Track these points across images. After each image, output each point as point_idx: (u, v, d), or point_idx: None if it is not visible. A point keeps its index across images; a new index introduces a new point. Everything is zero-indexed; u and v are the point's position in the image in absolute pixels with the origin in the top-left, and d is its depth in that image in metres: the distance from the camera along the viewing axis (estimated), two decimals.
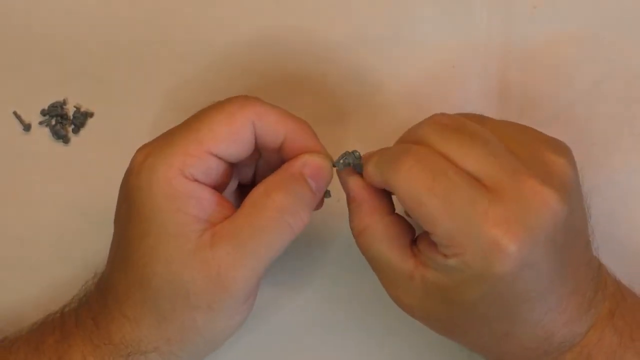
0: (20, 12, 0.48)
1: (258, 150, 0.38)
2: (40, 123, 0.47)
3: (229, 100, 0.36)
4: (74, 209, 0.46)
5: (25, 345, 0.38)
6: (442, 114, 0.35)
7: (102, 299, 0.37)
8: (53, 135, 0.47)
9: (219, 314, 0.35)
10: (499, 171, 0.33)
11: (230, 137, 0.36)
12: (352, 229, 0.38)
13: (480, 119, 0.36)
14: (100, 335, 0.37)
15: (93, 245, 0.44)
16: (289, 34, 0.47)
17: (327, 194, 0.39)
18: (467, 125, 0.34)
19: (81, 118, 0.47)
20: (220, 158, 0.36)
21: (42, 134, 0.47)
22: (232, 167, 0.38)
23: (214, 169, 0.36)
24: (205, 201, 0.35)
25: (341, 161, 0.38)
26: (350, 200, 0.38)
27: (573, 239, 0.34)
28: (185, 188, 0.35)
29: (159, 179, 0.35)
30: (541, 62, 0.46)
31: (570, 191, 0.34)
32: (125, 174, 0.37)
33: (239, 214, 0.35)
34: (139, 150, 0.37)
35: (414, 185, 0.33)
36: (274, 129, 0.36)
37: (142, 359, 0.36)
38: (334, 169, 0.38)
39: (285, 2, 0.47)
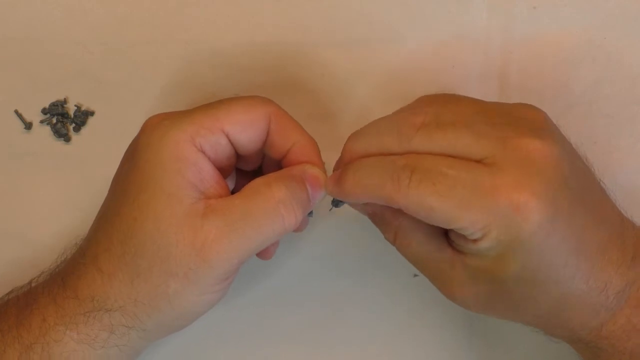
0: (21, 12, 0.48)
1: (261, 154, 0.40)
2: (42, 122, 0.47)
3: (251, 96, 0.38)
4: (75, 207, 0.46)
5: None
6: (411, 112, 0.35)
7: (79, 256, 0.38)
8: (54, 134, 0.47)
9: (193, 286, 0.35)
10: (491, 145, 0.33)
11: (246, 123, 0.37)
12: (387, 240, 0.39)
13: (446, 98, 0.37)
14: (65, 292, 0.36)
15: None
16: (288, 33, 0.47)
17: (310, 212, 0.39)
18: (443, 114, 0.35)
19: (82, 117, 0.47)
20: (230, 141, 0.37)
21: (43, 133, 0.47)
22: (236, 160, 0.39)
23: (222, 146, 0.37)
24: (205, 173, 0.36)
25: None
26: (370, 216, 0.39)
27: (585, 181, 0.35)
28: (191, 154, 0.35)
29: (169, 139, 0.35)
30: (541, 62, 0.46)
31: (558, 136, 0.35)
32: (136, 135, 0.37)
33: (237, 195, 0.36)
34: (154, 115, 0.37)
35: (419, 199, 0.33)
36: (287, 133, 0.38)
37: (105, 317, 0.36)
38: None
39: (283, 2, 0.47)
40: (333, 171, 0.38)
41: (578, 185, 0.34)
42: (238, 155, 0.39)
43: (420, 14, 0.47)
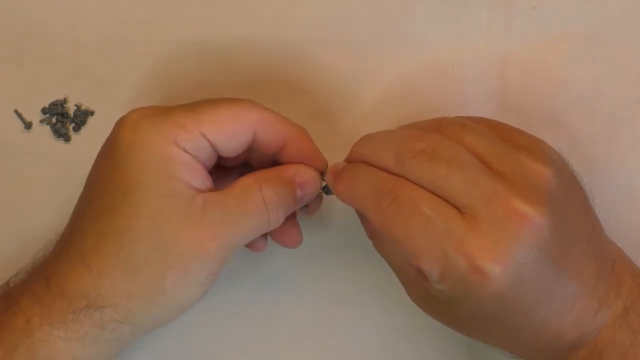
0: (20, 11, 0.48)
1: (243, 155, 0.40)
2: (41, 121, 0.47)
3: (236, 101, 0.37)
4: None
5: None
6: (416, 134, 0.35)
7: (60, 253, 0.37)
8: (54, 134, 0.47)
9: (190, 279, 0.36)
10: (475, 197, 0.33)
11: (230, 132, 0.37)
12: (367, 235, 0.39)
13: (459, 127, 0.36)
14: (50, 291, 0.36)
15: None
16: (288, 32, 0.47)
17: (302, 209, 0.41)
18: (442, 148, 0.34)
19: (82, 116, 0.47)
20: (211, 144, 0.37)
21: (43, 133, 0.47)
22: (216, 159, 0.39)
23: (203, 149, 0.36)
24: (195, 170, 0.36)
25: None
26: (356, 211, 0.39)
27: (568, 243, 0.34)
28: (178, 156, 0.36)
29: (152, 141, 0.35)
30: (541, 62, 0.46)
31: (553, 199, 0.33)
32: (114, 129, 0.37)
33: (230, 191, 0.37)
34: (133, 110, 0.37)
35: (391, 227, 0.34)
36: (275, 136, 0.38)
37: (95, 314, 0.36)
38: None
39: (284, 2, 0.47)
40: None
41: (555, 251, 0.33)
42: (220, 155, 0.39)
43: (420, 14, 0.47)
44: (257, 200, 0.37)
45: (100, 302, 0.36)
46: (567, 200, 0.35)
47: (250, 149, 0.39)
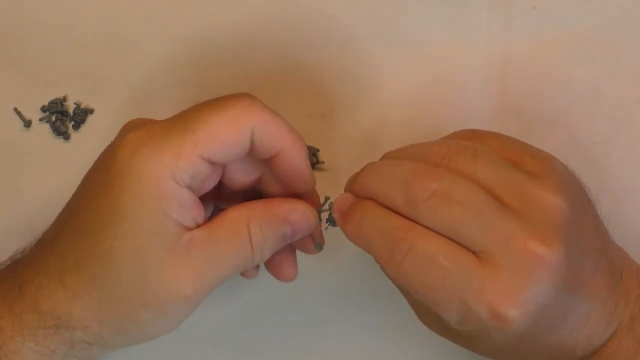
0: (20, 11, 0.48)
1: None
2: (41, 119, 0.47)
3: (232, 102, 0.35)
4: None
5: None
6: (426, 171, 0.34)
7: (41, 262, 0.36)
8: (53, 132, 0.47)
9: (166, 317, 0.35)
10: (491, 241, 0.32)
11: (228, 144, 0.34)
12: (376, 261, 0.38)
13: (470, 158, 0.34)
14: (23, 302, 0.36)
15: None
16: (288, 32, 0.47)
17: (317, 246, 0.39)
18: (456, 190, 0.33)
19: (81, 115, 0.47)
20: (211, 162, 0.35)
21: (42, 131, 0.47)
22: (220, 176, 0.37)
23: (202, 173, 0.35)
24: (187, 207, 0.34)
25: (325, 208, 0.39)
26: None
27: (581, 266, 0.34)
28: (172, 192, 0.34)
29: (149, 174, 0.34)
30: (541, 62, 0.46)
31: (567, 229, 0.33)
32: (113, 148, 0.35)
33: (216, 228, 0.35)
34: (134, 130, 0.35)
35: (407, 279, 0.33)
36: (272, 142, 0.35)
37: (65, 334, 0.36)
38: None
39: (284, 2, 0.47)
40: (345, 189, 0.37)
41: (569, 280, 0.33)
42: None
43: (420, 14, 0.47)
44: (242, 240, 0.35)
45: (71, 324, 0.36)
46: (579, 221, 0.35)
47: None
